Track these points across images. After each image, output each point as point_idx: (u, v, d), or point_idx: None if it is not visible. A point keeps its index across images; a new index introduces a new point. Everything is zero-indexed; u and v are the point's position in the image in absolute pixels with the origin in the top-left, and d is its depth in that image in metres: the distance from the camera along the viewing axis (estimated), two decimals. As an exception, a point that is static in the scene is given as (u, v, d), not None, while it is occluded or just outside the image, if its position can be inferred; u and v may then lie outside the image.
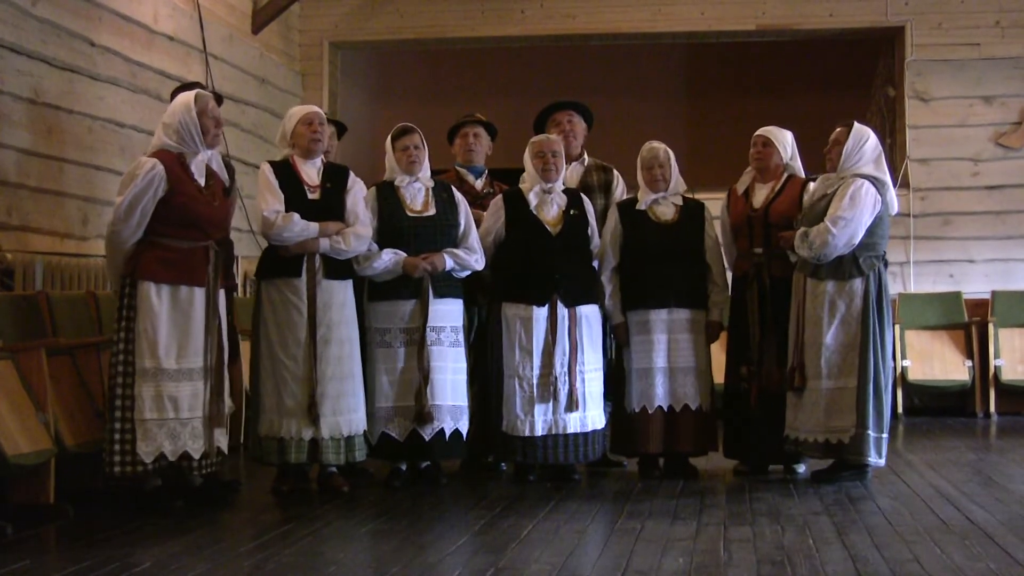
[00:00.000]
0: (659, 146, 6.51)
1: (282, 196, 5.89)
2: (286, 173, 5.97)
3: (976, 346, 9.56)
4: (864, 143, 6.15)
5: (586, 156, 6.95)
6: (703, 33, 10.48)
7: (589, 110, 7.01)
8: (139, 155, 5.73)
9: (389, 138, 6.29)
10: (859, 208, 6.02)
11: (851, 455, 6.06)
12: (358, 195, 6.09)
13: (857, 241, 6.06)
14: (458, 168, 6.79)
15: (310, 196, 5.96)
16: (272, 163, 6.04)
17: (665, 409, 6.37)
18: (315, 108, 6.22)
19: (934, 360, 9.61)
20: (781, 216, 6.33)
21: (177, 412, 5.45)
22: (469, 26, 10.44)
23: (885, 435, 6.10)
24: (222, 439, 5.65)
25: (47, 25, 6.65)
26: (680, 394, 6.38)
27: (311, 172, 6.03)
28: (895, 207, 6.28)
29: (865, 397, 6.03)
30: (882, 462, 6.11)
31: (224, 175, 5.80)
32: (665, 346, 6.37)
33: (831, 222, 5.99)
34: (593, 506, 5.58)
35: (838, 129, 6.23)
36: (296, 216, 5.86)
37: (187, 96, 5.63)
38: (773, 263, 6.35)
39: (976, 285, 9.96)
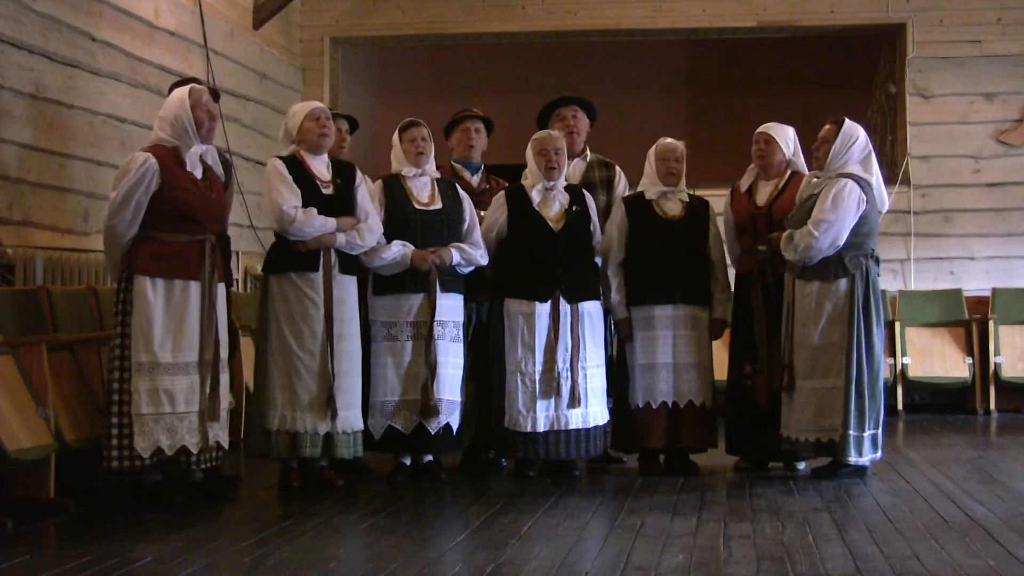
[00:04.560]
0: (678, 142, 6.51)
1: (298, 191, 5.85)
2: (297, 169, 5.92)
3: (976, 343, 9.56)
4: (853, 142, 6.12)
5: (588, 152, 6.94)
6: (704, 29, 10.47)
7: (593, 105, 6.99)
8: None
9: (396, 131, 6.30)
10: (842, 209, 6.00)
11: (839, 455, 6.07)
12: (365, 190, 6.09)
13: (841, 242, 6.04)
14: (454, 164, 6.74)
15: (324, 191, 5.94)
16: (281, 158, 5.98)
17: (669, 405, 6.37)
18: (319, 103, 6.21)
19: (934, 357, 9.62)
20: (785, 213, 6.33)
21: (173, 406, 5.44)
22: (470, 22, 10.44)
23: (869, 432, 6.05)
24: (221, 434, 5.64)
25: (48, 20, 6.64)
26: (684, 390, 6.38)
27: (321, 168, 6.01)
28: (886, 204, 6.29)
29: (849, 397, 6.02)
30: (864, 460, 6.09)
31: (219, 169, 5.80)
32: (670, 342, 6.37)
33: (813, 225, 5.99)
34: (593, 502, 5.58)
35: (827, 126, 6.20)
36: (315, 211, 5.85)
37: (182, 90, 5.66)
38: (777, 260, 6.35)
39: (976, 282, 9.95)
